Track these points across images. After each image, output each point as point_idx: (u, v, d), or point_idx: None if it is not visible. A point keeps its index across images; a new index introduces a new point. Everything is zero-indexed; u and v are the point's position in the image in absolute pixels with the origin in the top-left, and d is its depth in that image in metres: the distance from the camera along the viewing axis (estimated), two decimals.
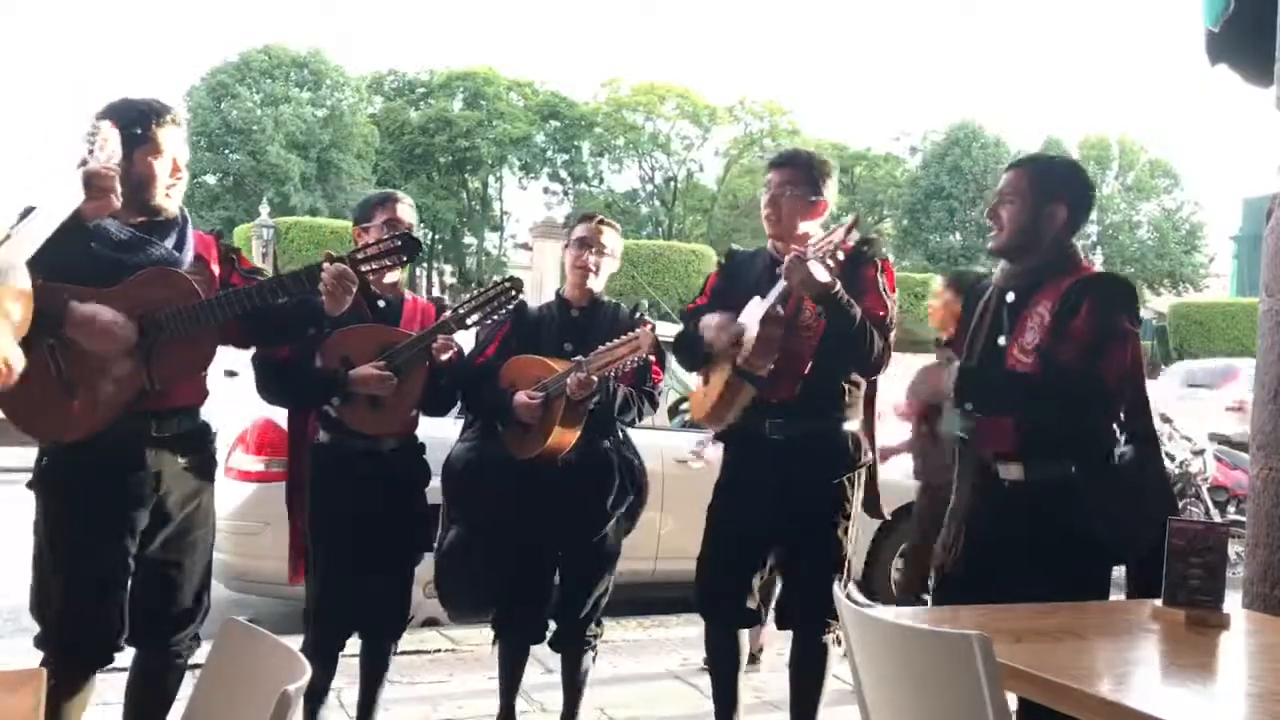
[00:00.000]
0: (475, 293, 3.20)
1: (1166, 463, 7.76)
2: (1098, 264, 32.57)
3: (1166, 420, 8.38)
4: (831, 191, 3.25)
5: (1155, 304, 41.53)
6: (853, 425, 3.22)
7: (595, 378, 3.16)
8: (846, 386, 3.18)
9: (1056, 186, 2.68)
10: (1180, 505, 7.55)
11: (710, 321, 3.18)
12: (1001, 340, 2.67)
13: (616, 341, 3.17)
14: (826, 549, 3.17)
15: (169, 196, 2.69)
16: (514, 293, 3.16)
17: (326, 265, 2.82)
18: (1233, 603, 2.34)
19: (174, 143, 2.68)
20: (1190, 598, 2.18)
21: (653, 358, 3.36)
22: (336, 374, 3.08)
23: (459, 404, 3.47)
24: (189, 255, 2.73)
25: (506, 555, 3.37)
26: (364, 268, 2.89)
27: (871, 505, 3.41)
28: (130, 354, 2.56)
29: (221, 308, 2.66)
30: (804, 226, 3.20)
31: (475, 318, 3.13)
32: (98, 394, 2.56)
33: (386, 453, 3.21)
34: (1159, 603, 2.23)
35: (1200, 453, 7.86)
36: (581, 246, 3.44)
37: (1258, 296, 2.94)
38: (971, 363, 2.74)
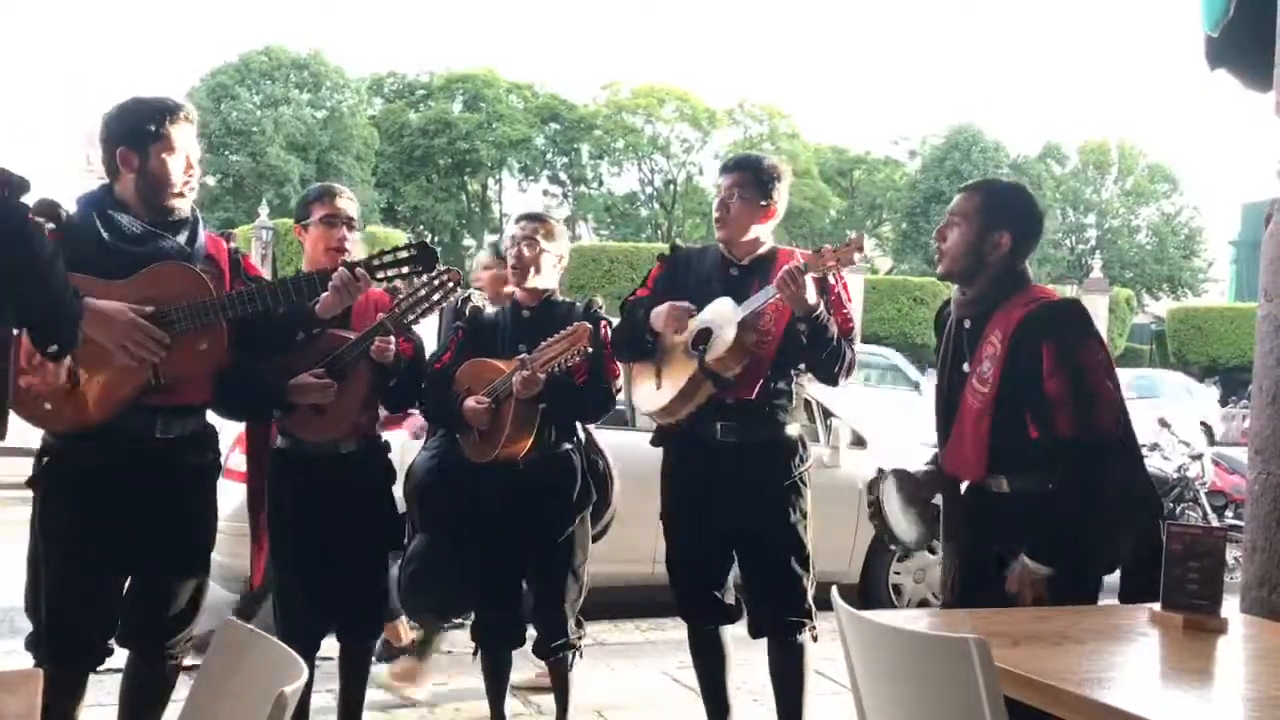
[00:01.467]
0: (410, 290, 3.05)
1: (1165, 467, 7.79)
2: (1096, 268, 32.66)
3: (1165, 425, 8.38)
4: (781, 197, 3.25)
5: (1154, 309, 41.62)
6: (796, 426, 3.24)
7: (541, 375, 3.11)
8: (794, 389, 3.21)
9: (1004, 214, 2.69)
10: (1178, 510, 7.54)
11: (663, 310, 3.13)
12: (965, 366, 2.70)
13: (556, 336, 3.11)
14: (788, 550, 3.17)
15: (183, 194, 2.69)
16: (450, 284, 3.01)
17: (340, 270, 2.81)
18: (1230, 607, 2.34)
19: (187, 140, 2.68)
20: (1188, 602, 2.18)
21: (613, 354, 3.32)
22: (276, 385, 3.00)
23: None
24: (201, 253, 2.74)
25: (470, 562, 3.35)
26: (378, 275, 2.87)
27: None
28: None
29: (232, 306, 2.65)
30: (754, 230, 3.22)
31: (412, 316, 3.02)
32: (103, 386, 2.55)
33: (344, 455, 3.15)
34: (1157, 607, 2.23)
35: (1198, 457, 7.86)
36: (512, 244, 3.39)
37: (1256, 301, 2.95)
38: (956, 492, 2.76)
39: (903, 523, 2.84)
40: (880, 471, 2.88)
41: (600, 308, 3.43)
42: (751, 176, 3.20)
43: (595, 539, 3.55)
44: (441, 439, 3.47)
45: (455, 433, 3.35)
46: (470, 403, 3.21)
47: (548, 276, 3.39)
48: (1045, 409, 2.52)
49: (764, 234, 3.25)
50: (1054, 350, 2.53)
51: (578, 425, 3.43)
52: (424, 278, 3.00)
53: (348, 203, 3.24)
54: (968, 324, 2.73)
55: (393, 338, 3.04)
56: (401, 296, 3.06)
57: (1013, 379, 2.56)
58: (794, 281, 2.91)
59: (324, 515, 3.12)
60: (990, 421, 2.59)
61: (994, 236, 2.66)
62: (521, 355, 3.14)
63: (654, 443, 3.36)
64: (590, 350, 3.16)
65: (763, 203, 3.19)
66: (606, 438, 3.69)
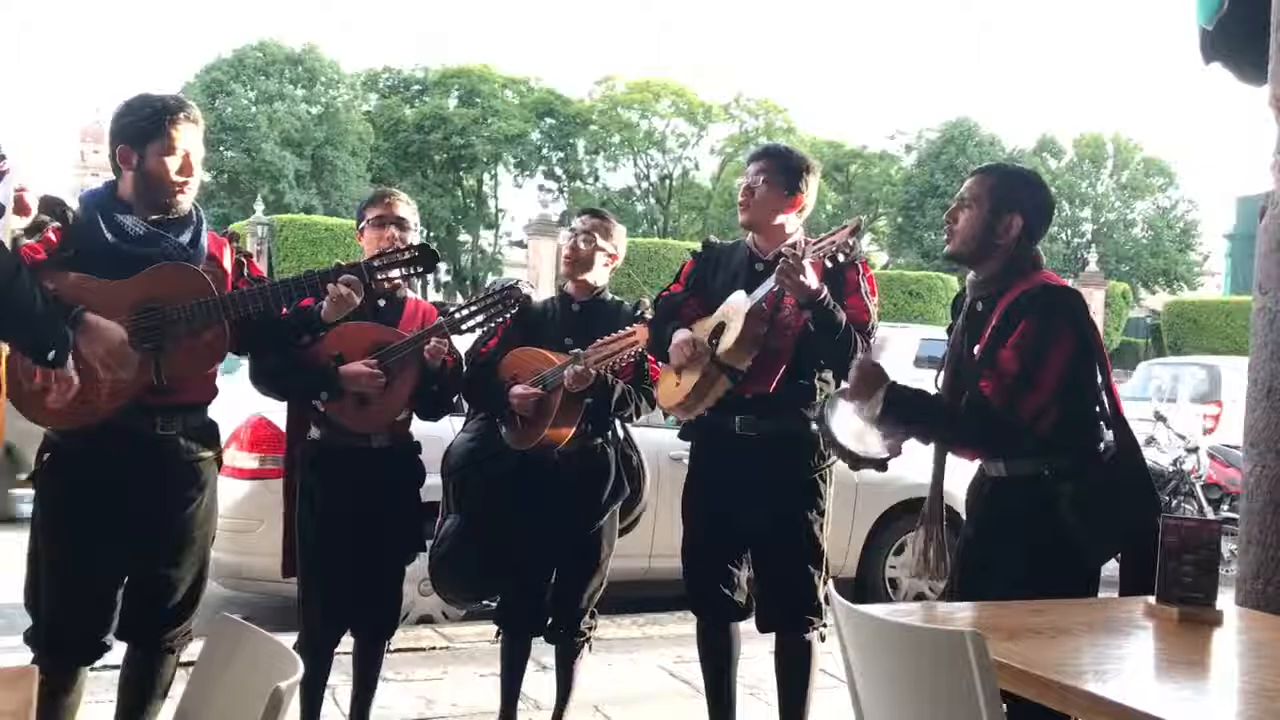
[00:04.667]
0: (474, 297, 3.18)
1: (1161, 460, 7.81)
2: (1092, 262, 32.70)
3: (1160, 418, 8.39)
4: (810, 189, 3.25)
5: (1150, 302, 41.68)
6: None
7: (593, 371, 3.17)
8: (818, 384, 3.19)
9: (1015, 197, 2.68)
10: (1174, 503, 7.56)
11: (677, 340, 3.15)
12: (976, 350, 2.70)
13: (614, 336, 3.18)
14: (802, 547, 3.17)
15: (182, 194, 2.68)
16: (513, 300, 3.15)
17: (333, 287, 2.82)
18: (1226, 600, 2.34)
19: (188, 140, 2.67)
20: (1184, 595, 2.18)
21: (650, 355, 3.36)
22: (328, 369, 3.06)
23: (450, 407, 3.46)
24: (203, 253, 2.74)
25: (502, 546, 3.38)
26: (379, 275, 2.89)
27: None
28: (139, 347, 2.55)
29: (233, 306, 2.66)
30: (779, 219, 3.21)
31: (473, 323, 3.12)
32: (106, 385, 2.55)
33: (377, 450, 3.19)
34: (1152, 600, 2.23)
35: (1194, 450, 7.88)
36: (571, 237, 3.47)
37: (1251, 295, 2.95)
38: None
39: (864, 440, 2.79)
40: (826, 398, 2.88)
41: (646, 309, 3.46)
42: (779, 164, 3.20)
43: (625, 531, 3.60)
44: (481, 422, 3.50)
45: (497, 417, 3.38)
46: (518, 389, 3.24)
47: (599, 274, 3.45)
48: (984, 368, 2.53)
49: (790, 225, 3.24)
50: (1027, 328, 2.53)
51: (616, 421, 3.46)
52: (492, 292, 3.13)
53: (398, 204, 3.29)
54: (979, 307, 2.73)
55: (448, 341, 3.10)
56: (464, 303, 3.15)
57: (986, 367, 2.56)
58: (789, 266, 2.89)
59: (350, 510, 3.15)
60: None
61: (1006, 219, 2.66)
62: (575, 350, 3.19)
63: (682, 436, 3.40)
64: (649, 355, 3.25)
65: (788, 192, 3.19)
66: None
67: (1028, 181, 2.78)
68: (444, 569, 3.47)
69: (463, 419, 3.70)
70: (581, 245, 3.41)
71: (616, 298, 3.56)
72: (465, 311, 3.13)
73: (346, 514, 3.15)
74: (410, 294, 3.38)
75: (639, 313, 3.42)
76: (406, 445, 3.30)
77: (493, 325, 3.36)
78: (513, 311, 3.20)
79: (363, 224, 3.30)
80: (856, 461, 2.80)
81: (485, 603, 3.67)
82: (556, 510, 3.33)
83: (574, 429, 3.29)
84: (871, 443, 2.76)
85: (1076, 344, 2.55)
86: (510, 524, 3.37)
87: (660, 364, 3.36)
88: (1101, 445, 2.61)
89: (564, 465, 3.32)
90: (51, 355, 2.27)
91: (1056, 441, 2.54)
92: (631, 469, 3.51)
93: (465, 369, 3.40)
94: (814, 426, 3.17)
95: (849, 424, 2.77)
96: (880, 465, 2.80)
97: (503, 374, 3.34)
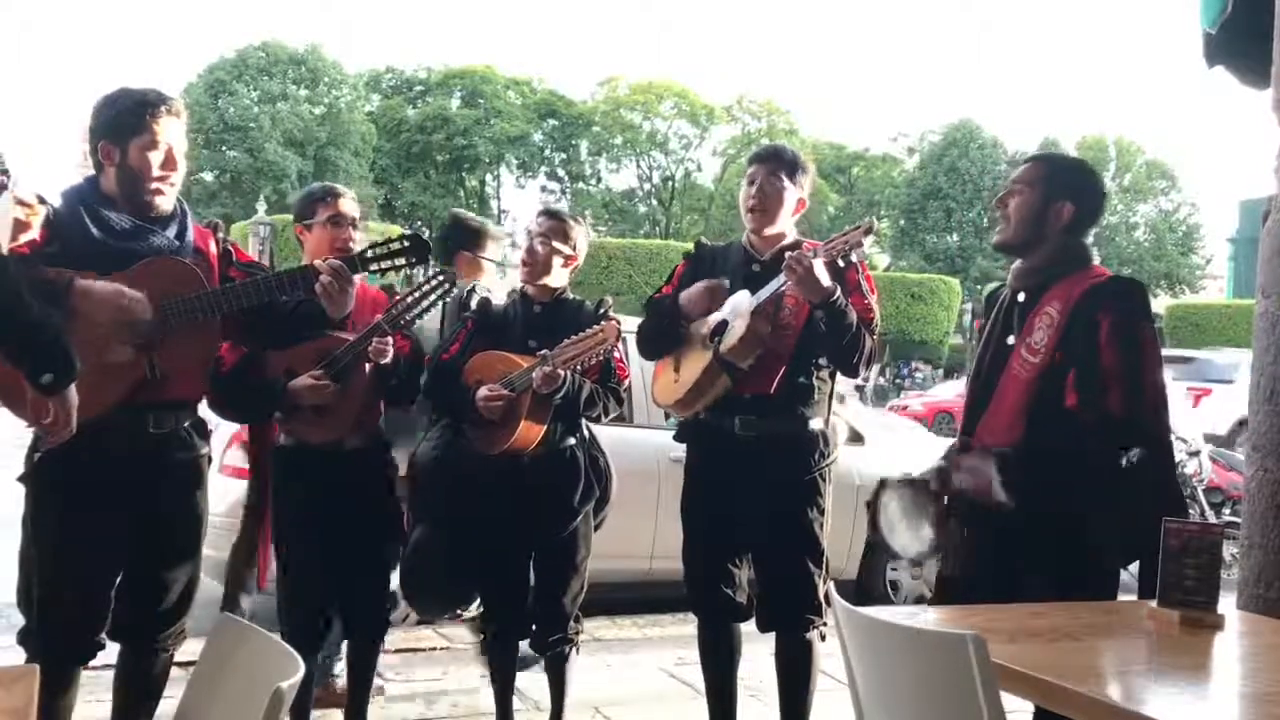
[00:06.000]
0: (407, 290, 3.08)
1: None
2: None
3: None
4: (808, 190, 3.28)
5: (1152, 305, 41.74)
6: (820, 421, 3.22)
7: (561, 371, 3.13)
8: (816, 383, 3.19)
9: (1067, 184, 2.67)
10: None
11: (696, 288, 3.15)
12: (1010, 340, 2.66)
13: (582, 335, 3.14)
14: (802, 547, 3.17)
15: (165, 189, 2.66)
16: (447, 284, 3.05)
17: (320, 265, 2.81)
18: (1227, 604, 2.34)
19: (171, 134, 2.64)
20: (1185, 598, 2.18)
21: (618, 354, 3.33)
22: (275, 386, 3.01)
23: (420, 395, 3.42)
24: (190, 246, 2.73)
25: (473, 553, 3.34)
26: (372, 267, 2.87)
27: None
28: (132, 341, 2.55)
29: (227, 299, 2.64)
30: (782, 223, 3.23)
31: (411, 315, 3.03)
32: (96, 381, 2.54)
33: (348, 452, 3.15)
34: (1154, 603, 2.22)
35: (1196, 454, 7.87)
36: (528, 238, 3.43)
37: (1254, 298, 2.95)
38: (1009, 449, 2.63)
39: (903, 535, 2.81)
40: (881, 483, 2.86)
41: (610, 307, 3.44)
42: (789, 166, 3.22)
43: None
44: (444, 429, 3.46)
45: (464, 423, 3.34)
46: (484, 393, 3.20)
47: (557, 275, 3.42)
48: (1097, 380, 2.49)
49: (789, 227, 3.27)
50: (1112, 322, 2.50)
51: (583, 422, 3.44)
52: (421, 279, 3.03)
53: (350, 204, 3.26)
54: (1021, 296, 2.69)
55: (390, 338, 3.03)
56: (398, 297, 3.07)
57: (1068, 348, 2.53)
58: (800, 265, 2.89)
59: (328, 513, 3.12)
60: (1036, 390, 2.55)
61: (1056, 206, 2.64)
62: (543, 351, 3.15)
63: (677, 437, 3.38)
64: (616, 354, 3.22)
65: (796, 194, 3.22)
66: (606, 433, 3.70)
67: (1081, 170, 2.79)
68: (413, 582, 3.43)
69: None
70: (538, 248, 3.36)
71: (577, 298, 3.51)
72: (400, 307, 3.02)
73: (321, 519, 3.12)
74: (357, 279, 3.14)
75: (601, 312, 3.38)
76: (378, 443, 3.27)
77: (456, 322, 3.30)
78: (449, 294, 3.10)
79: (310, 220, 3.23)
80: (893, 554, 2.93)
81: (459, 611, 3.64)
82: (529, 515, 3.29)
83: (542, 431, 3.24)
84: (906, 539, 2.80)
85: (1154, 335, 2.57)
86: (478, 532, 3.32)
87: (656, 361, 3.35)
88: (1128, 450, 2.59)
89: (533, 469, 3.27)
90: (47, 379, 2.15)
91: (1094, 432, 2.51)
92: (598, 470, 3.47)
93: (427, 374, 3.33)
94: (813, 426, 3.18)
95: (892, 512, 2.81)
96: (911, 562, 2.87)
97: (467, 378, 3.30)
